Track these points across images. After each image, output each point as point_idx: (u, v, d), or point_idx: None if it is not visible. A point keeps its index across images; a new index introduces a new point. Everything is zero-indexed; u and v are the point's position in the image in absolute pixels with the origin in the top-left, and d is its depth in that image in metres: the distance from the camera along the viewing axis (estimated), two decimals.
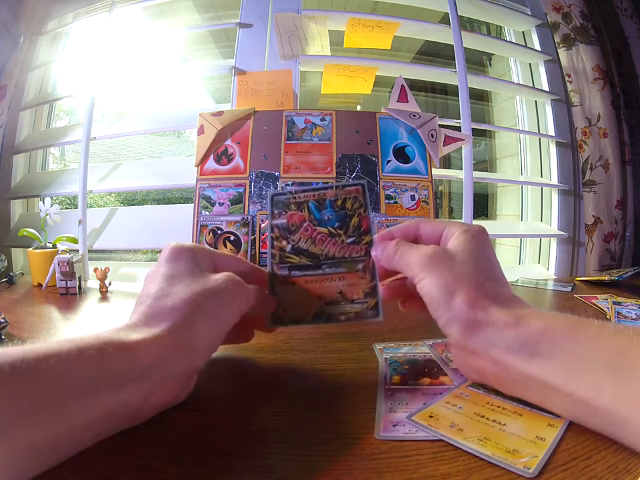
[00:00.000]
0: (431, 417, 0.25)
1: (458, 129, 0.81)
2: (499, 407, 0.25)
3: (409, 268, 0.28)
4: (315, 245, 0.32)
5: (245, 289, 0.29)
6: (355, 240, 0.32)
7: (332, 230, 0.32)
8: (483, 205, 1.33)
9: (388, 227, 0.71)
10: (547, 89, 0.94)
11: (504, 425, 0.23)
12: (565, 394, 0.22)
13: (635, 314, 0.48)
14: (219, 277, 0.28)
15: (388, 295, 0.32)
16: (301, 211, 0.33)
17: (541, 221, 0.99)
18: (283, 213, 0.33)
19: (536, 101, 1.01)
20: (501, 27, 1.10)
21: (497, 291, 0.26)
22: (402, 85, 0.80)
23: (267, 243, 0.33)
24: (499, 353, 0.24)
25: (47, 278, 0.65)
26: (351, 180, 0.73)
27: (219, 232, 0.70)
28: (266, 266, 0.33)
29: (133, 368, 0.21)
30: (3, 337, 0.40)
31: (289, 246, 0.32)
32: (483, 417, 0.24)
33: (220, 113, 0.76)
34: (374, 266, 0.32)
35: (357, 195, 0.33)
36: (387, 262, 0.30)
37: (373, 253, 0.31)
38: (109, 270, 0.66)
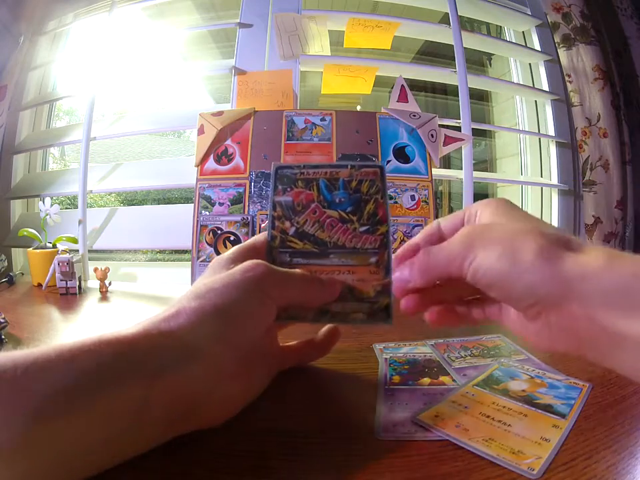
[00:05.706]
0: (437, 416, 0.25)
1: (458, 128, 0.81)
2: (504, 407, 0.25)
3: (453, 260, 0.23)
4: (323, 230, 0.28)
5: (266, 272, 0.25)
6: (368, 229, 0.28)
7: (343, 214, 0.28)
8: None
9: None
10: (547, 89, 0.94)
11: (509, 425, 0.23)
12: None
13: None
14: (236, 267, 0.25)
15: (412, 306, 0.26)
16: (309, 190, 0.28)
17: None
18: (289, 189, 0.28)
19: (536, 101, 1.01)
20: (501, 26, 1.10)
21: (566, 237, 0.21)
22: (402, 85, 0.80)
23: (267, 222, 0.29)
24: (594, 308, 0.19)
25: (47, 278, 0.65)
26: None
27: (219, 232, 0.70)
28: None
29: (128, 359, 0.20)
30: (2, 336, 0.40)
31: (293, 229, 0.28)
32: (488, 417, 0.24)
33: (220, 113, 0.76)
34: (389, 260, 0.27)
35: (374, 178, 0.28)
36: (426, 274, 0.24)
37: (398, 275, 0.25)
38: (108, 270, 0.66)
